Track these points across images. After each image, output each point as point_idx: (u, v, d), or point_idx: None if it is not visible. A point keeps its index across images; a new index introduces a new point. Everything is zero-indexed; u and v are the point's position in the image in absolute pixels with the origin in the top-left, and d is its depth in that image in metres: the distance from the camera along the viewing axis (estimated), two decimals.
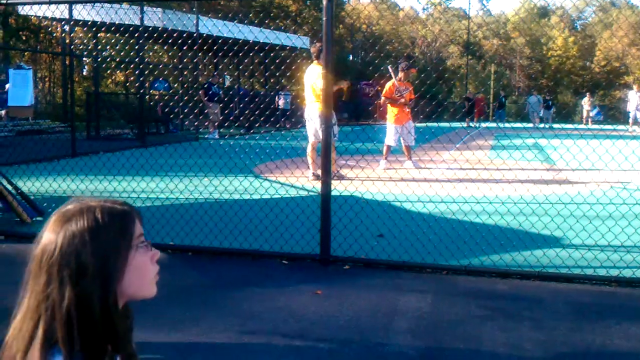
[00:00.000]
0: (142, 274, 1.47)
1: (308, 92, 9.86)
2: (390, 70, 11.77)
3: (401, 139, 11.78)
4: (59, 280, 1.31)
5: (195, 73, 20.80)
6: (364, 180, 8.20)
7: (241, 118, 19.84)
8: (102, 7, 15.94)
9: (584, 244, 5.51)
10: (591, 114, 35.50)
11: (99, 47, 21.85)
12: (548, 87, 52.69)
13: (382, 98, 11.91)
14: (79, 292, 1.31)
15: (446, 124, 24.25)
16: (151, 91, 23.31)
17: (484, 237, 5.60)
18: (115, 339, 1.39)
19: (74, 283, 1.31)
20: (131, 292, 1.46)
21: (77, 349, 1.29)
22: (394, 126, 11.70)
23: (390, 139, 11.73)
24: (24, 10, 21.37)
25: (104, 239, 1.37)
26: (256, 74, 33.35)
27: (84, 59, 27.64)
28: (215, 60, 28.14)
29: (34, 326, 1.31)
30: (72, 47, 17.01)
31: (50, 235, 1.35)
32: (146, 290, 1.49)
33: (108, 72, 31.48)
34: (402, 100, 11.56)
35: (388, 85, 11.83)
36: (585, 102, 36.22)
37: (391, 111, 11.78)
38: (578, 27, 66.05)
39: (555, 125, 30.09)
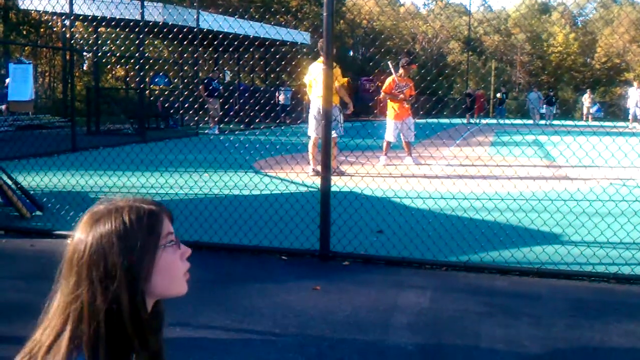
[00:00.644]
0: (170, 273, 1.48)
1: (313, 88, 9.88)
2: (391, 66, 11.77)
3: (401, 135, 11.78)
4: (89, 281, 1.32)
5: (195, 68, 20.77)
6: (364, 176, 8.20)
7: (241, 113, 19.86)
8: (103, 1, 15.93)
9: (583, 240, 5.52)
10: (591, 111, 35.51)
11: (99, 41, 21.81)
12: (549, 84, 52.63)
13: (382, 94, 11.91)
14: (108, 293, 1.32)
15: (446, 120, 24.24)
16: (151, 86, 23.30)
17: (483, 234, 5.61)
18: (142, 339, 1.40)
19: (103, 284, 1.32)
20: (160, 291, 1.47)
21: (101, 353, 1.30)
22: (393, 122, 11.70)
23: (389, 135, 11.73)
24: (24, 4, 21.34)
25: (131, 239, 1.38)
26: (256, 70, 33.32)
27: (84, 53, 27.60)
28: (215, 56, 28.07)
29: (61, 325, 1.32)
30: (72, 41, 16.99)
31: (80, 236, 1.36)
32: (176, 289, 1.50)
33: (108, 67, 31.45)
34: (402, 96, 11.56)
35: (388, 81, 11.83)
36: (586, 98, 36.23)
37: (391, 107, 11.79)
38: (579, 23, 66.00)
39: (555, 122, 30.08)
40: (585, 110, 35.70)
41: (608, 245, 5.41)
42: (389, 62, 12.02)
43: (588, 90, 38.30)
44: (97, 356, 1.30)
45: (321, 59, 9.58)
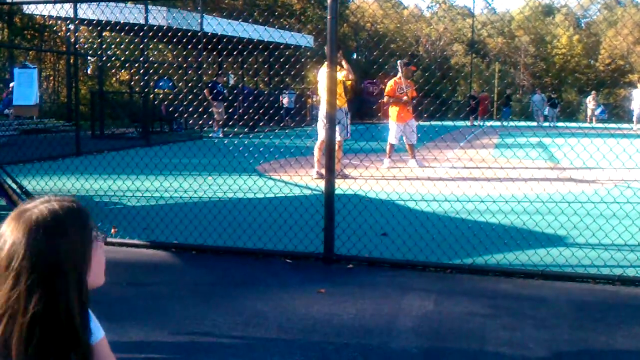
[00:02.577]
0: (99, 266, 1.49)
1: (322, 91, 9.90)
2: (399, 64, 11.79)
3: (404, 137, 11.78)
4: (28, 283, 1.31)
5: (199, 72, 20.78)
6: (368, 179, 8.20)
7: (245, 117, 19.85)
8: (107, 6, 15.95)
9: (587, 242, 5.51)
10: (595, 113, 35.44)
11: (104, 46, 21.88)
12: (552, 86, 52.56)
13: (386, 97, 11.92)
14: (53, 292, 1.31)
15: (450, 123, 24.23)
16: (155, 90, 23.34)
17: (488, 236, 5.60)
18: (86, 334, 1.40)
19: (48, 284, 1.31)
20: (91, 282, 1.46)
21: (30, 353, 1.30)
22: (396, 124, 11.71)
23: (392, 137, 11.74)
24: (29, 9, 21.41)
25: (72, 236, 1.38)
26: (260, 73, 33.35)
27: (89, 57, 27.68)
28: (219, 59, 28.12)
29: None
30: (76, 46, 17.02)
31: (14, 238, 1.34)
32: (100, 281, 1.50)
33: (112, 71, 31.52)
34: (406, 97, 11.56)
35: (390, 83, 11.86)
36: (590, 100, 36.15)
37: (393, 109, 11.79)
38: (583, 25, 65.91)
39: (559, 124, 30.03)
40: (589, 112, 35.63)
41: (612, 247, 5.40)
42: (398, 62, 12.05)
43: (592, 92, 38.22)
44: (44, 357, 1.30)
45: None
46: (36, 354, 1.30)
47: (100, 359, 1.55)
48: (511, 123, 26.84)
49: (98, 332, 1.59)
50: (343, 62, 9.75)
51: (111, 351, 1.63)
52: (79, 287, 1.37)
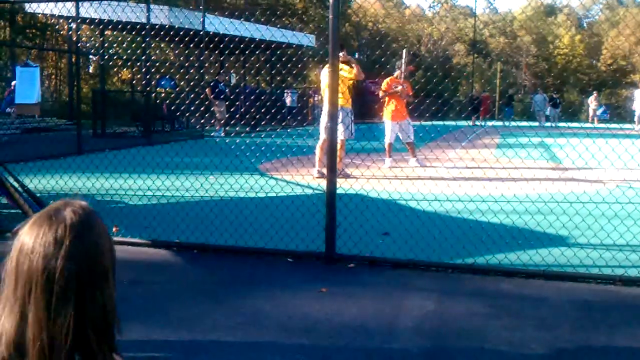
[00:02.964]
0: None
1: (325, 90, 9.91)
2: (404, 53, 11.82)
3: (400, 136, 11.79)
4: (84, 289, 1.31)
5: (201, 71, 20.79)
6: (369, 179, 8.20)
7: (247, 116, 19.88)
8: (109, 4, 15.96)
9: (589, 242, 5.51)
10: (597, 113, 35.42)
11: (106, 44, 21.89)
12: (554, 86, 52.53)
13: (380, 93, 11.96)
14: (104, 297, 1.32)
15: (452, 122, 24.24)
16: (157, 89, 23.34)
17: (489, 236, 5.60)
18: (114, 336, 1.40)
19: (99, 289, 1.31)
20: None
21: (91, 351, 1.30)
22: (390, 122, 11.73)
23: (387, 137, 11.74)
24: (31, 7, 21.43)
25: (104, 235, 1.38)
26: (262, 72, 33.36)
27: (91, 56, 27.70)
28: (221, 58, 28.14)
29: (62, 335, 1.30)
30: (78, 44, 17.03)
31: (48, 239, 1.30)
32: None
33: (114, 69, 31.53)
34: (400, 87, 11.55)
35: (386, 80, 11.90)
36: (592, 100, 36.11)
37: (388, 108, 11.81)
38: (585, 25, 65.86)
39: (561, 124, 30.02)
40: (591, 113, 35.59)
41: (614, 247, 5.39)
42: (404, 50, 12.08)
43: (594, 92, 38.18)
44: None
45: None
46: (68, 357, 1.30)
47: None
48: (513, 123, 26.83)
49: None
50: (352, 62, 9.77)
51: None
52: (113, 290, 1.37)
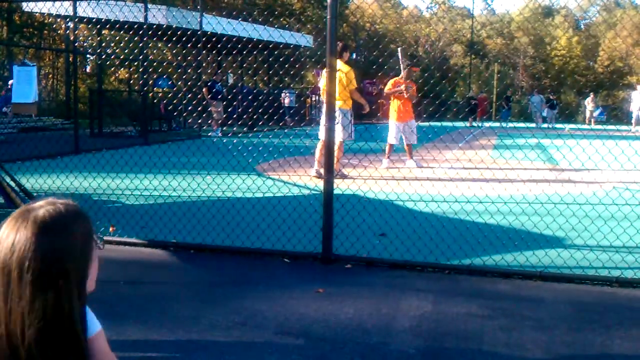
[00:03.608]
0: (95, 271, 1.49)
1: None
2: (399, 51, 11.82)
3: (403, 137, 11.79)
4: (42, 286, 1.32)
5: (198, 71, 20.80)
6: (367, 179, 8.20)
7: (244, 116, 19.85)
8: (107, 4, 15.96)
9: (585, 244, 5.52)
10: (595, 114, 35.48)
11: (103, 44, 21.87)
12: (551, 87, 52.61)
13: (385, 93, 11.97)
14: (60, 297, 1.32)
15: (449, 124, 24.25)
16: (154, 89, 23.33)
17: (486, 237, 5.61)
18: (83, 335, 1.40)
19: (55, 285, 1.32)
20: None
21: (50, 352, 1.31)
22: (395, 124, 11.72)
23: (392, 137, 11.74)
24: (28, 7, 21.40)
25: (78, 238, 1.39)
26: (259, 72, 33.35)
27: (88, 56, 27.66)
28: (218, 58, 28.14)
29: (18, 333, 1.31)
30: (76, 44, 17.01)
31: (20, 238, 1.33)
32: (92, 285, 1.50)
33: (111, 69, 31.50)
34: (402, 87, 11.55)
35: (390, 81, 11.90)
36: (589, 102, 36.16)
37: (393, 109, 11.81)
38: (582, 27, 65.97)
39: (558, 125, 30.06)
40: (588, 114, 35.63)
41: (611, 249, 5.40)
42: (399, 49, 12.07)
43: (591, 93, 38.24)
44: (47, 356, 1.30)
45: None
46: (42, 356, 1.31)
47: (97, 352, 1.55)
48: (510, 124, 26.86)
49: (95, 325, 1.59)
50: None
51: (108, 345, 1.64)
52: (80, 289, 1.38)
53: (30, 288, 1.30)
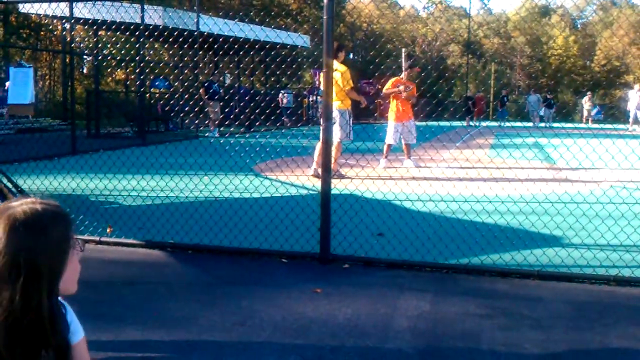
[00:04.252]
0: (74, 272, 1.49)
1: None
2: (403, 52, 11.83)
3: (401, 137, 11.79)
4: (10, 281, 1.32)
5: (195, 71, 20.80)
6: (364, 179, 8.20)
7: (241, 116, 19.85)
8: (103, 5, 15.93)
9: (583, 243, 5.52)
10: (592, 113, 35.50)
11: (100, 45, 21.85)
12: (548, 86, 52.67)
13: (383, 92, 11.96)
14: (28, 292, 1.33)
15: (446, 123, 24.28)
16: (151, 89, 23.31)
17: (484, 236, 5.61)
18: (55, 335, 1.41)
19: (24, 283, 1.33)
20: (62, 288, 1.48)
21: (17, 351, 1.31)
22: (394, 124, 11.71)
23: (390, 137, 11.73)
24: (24, 8, 21.37)
25: (51, 238, 1.40)
26: (256, 73, 33.34)
27: (85, 57, 27.64)
28: (215, 59, 28.11)
29: None
30: (72, 45, 16.99)
31: None
32: (72, 288, 1.51)
33: (108, 70, 31.47)
34: (402, 87, 11.54)
35: (390, 80, 11.89)
36: (586, 101, 36.17)
37: (392, 109, 11.80)
38: (579, 26, 66.06)
39: (555, 124, 30.09)
40: (585, 113, 35.63)
41: (608, 247, 5.41)
42: (403, 50, 12.09)
43: (588, 93, 38.27)
44: (14, 354, 1.31)
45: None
46: (8, 353, 1.32)
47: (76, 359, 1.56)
48: (507, 124, 26.88)
49: (79, 332, 1.60)
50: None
51: (88, 352, 1.64)
52: (51, 289, 1.39)
53: (7, 286, 1.32)
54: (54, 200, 1.50)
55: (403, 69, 11.69)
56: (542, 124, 31.13)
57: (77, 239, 1.49)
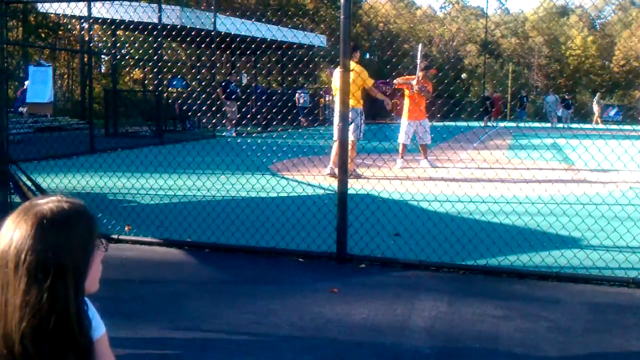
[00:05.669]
0: (96, 273, 1.50)
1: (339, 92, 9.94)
2: (420, 50, 11.79)
3: (416, 137, 11.75)
4: (38, 280, 1.33)
5: (212, 71, 20.87)
6: (381, 179, 8.19)
7: (258, 116, 19.90)
8: (121, 5, 16.02)
9: (602, 244, 5.47)
10: (611, 113, 35.09)
11: (118, 44, 21.99)
12: (566, 87, 52.30)
13: (395, 83, 11.95)
14: (56, 292, 1.33)
15: (464, 123, 24.19)
16: (169, 89, 23.41)
17: (501, 237, 5.58)
18: (82, 335, 1.41)
19: (52, 283, 1.33)
20: (86, 287, 1.48)
21: (45, 349, 1.32)
22: (407, 122, 11.66)
23: (402, 136, 11.69)
24: (43, 7, 21.54)
25: (78, 237, 1.40)
26: (273, 72, 33.40)
27: (103, 56, 27.81)
28: (232, 59, 28.19)
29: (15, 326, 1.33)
30: (90, 44, 17.10)
31: (21, 232, 1.36)
32: (95, 286, 1.51)
33: (126, 69, 31.65)
34: (414, 81, 11.50)
35: (405, 75, 11.87)
36: (595, 102, 35.63)
37: (405, 107, 11.77)
38: (597, 26, 65.53)
39: (574, 125, 29.87)
40: (596, 114, 35.08)
41: (627, 249, 5.36)
42: (419, 45, 12.05)
43: (598, 93, 37.81)
44: (42, 353, 1.32)
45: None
46: (36, 351, 1.33)
47: (98, 355, 1.56)
48: (525, 124, 26.73)
49: (100, 328, 1.61)
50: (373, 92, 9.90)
51: (109, 347, 1.65)
52: (78, 288, 1.39)
53: (25, 281, 1.32)
54: (78, 199, 1.50)
55: (418, 64, 11.63)
56: (560, 125, 30.90)
57: (100, 238, 1.50)
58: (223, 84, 20.62)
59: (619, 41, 56.52)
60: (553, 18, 60.86)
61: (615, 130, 21.65)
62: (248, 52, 25.22)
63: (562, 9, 61.65)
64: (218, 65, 24.95)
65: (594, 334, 3.67)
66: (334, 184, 6.63)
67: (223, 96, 19.89)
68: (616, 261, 5.01)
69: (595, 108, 35.08)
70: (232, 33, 16.79)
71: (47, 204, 1.43)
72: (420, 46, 12.04)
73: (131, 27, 18.90)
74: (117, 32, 22.40)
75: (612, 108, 38.39)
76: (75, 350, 1.39)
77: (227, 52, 25.66)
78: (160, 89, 18.87)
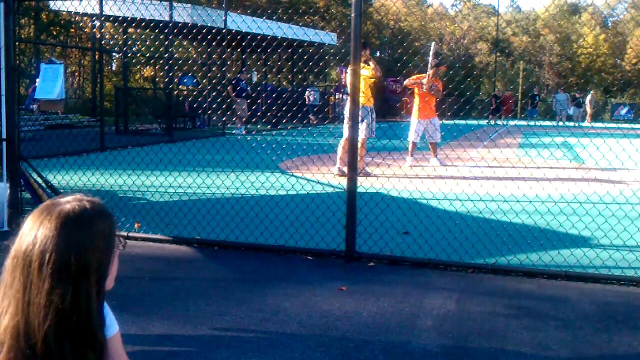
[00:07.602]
0: (114, 272, 1.51)
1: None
2: (432, 48, 11.76)
3: (426, 135, 11.73)
4: (62, 279, 1.34)
5: (223, 69, 20.88)
6: (390, 177, 8.18)
7: (268, 114, 19.90)
8: (132, 2, 16.07)
9: (612, 244, 5.45)
10: (622, 112, 34.84)
11: (129, 42, 22.03)
12: (578, 85, 52.03)
13: (406, 82, 11.93)
14: (79, 291, 1.34)
15: (474, 122, 24.11)
16: (179, 86, 23.46)
17: (511, 236, 5.57)
18: (101, 334, 1.42)
19: (75, 282, 1.34)
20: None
21: (67, 347, 1.33)
22: (417, 121, 11.65)
23: (412, 134, 11.67)
24: (55, 5, 21.61)
25: (100, 236, 1.41)
26: (283, 70, 33.42)
27: (114, 54, 27.90)
28: (243, 56, 28.22)
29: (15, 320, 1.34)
30: (102, 42, 17.16)
31: (45, 232, 1.36)
32: (111, 285, 1.52)
33: (137, 67, 31.74)
34: (425, 80, 11.47)
35: (416, 75, 11.85)
36: (588, 100, 35.27)
37: (415, 105, 11.76)
38: (609, 24, 65.13)
39: (584, 124, 29.72)
40: (589, 112, 34.71)
41: (637, 248, 5.33)
42: (432, 44, 12.03)
43: (591, 92, 37.48)
44: (64, 350, 1.32)
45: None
46: (59, 352, 1.33)
47: (112, 353, 1.57)
48: (535, 122, 26.61)
49: (113, 326, 1.62)
50: (369, 60, 9.78)
51: (122, 345, 1.66)
52: (100, 286, 1.40)
53: (49, 280, 1.33)
54: (97, 198, 1.51)
55: (429, 62, 11.60)
56: (571, 123, 30.74)
57: (119, 237, 1.51)
58: (233, 81, 20.65)
59: (631, 39, 56.13)
60: (565, 16, 60.58)
61: (627, 128, 21.53)
62: (258, 50, 25.26)
63: (573, 6, 61.40)
64: (228, 63, 24.98)
65: (604, 334, 3.65)
66: (342, 182, 6.64)
67: (233, 94, 19.93)
68: (626, 260, 4.99)
69: (588, 106, 34.74)
70: (243, 31, 16.76)
71: (69, 203, 1.43)
72: (432, 44, 12.01)
73: (142, 24, 18.93)
74: (128, 30, 22.46)
75: (624, 106, 38.13)
76: (94, 349, 1.40)
77: (238, 49, 25.69)
78: (170, 86, 18.92)
